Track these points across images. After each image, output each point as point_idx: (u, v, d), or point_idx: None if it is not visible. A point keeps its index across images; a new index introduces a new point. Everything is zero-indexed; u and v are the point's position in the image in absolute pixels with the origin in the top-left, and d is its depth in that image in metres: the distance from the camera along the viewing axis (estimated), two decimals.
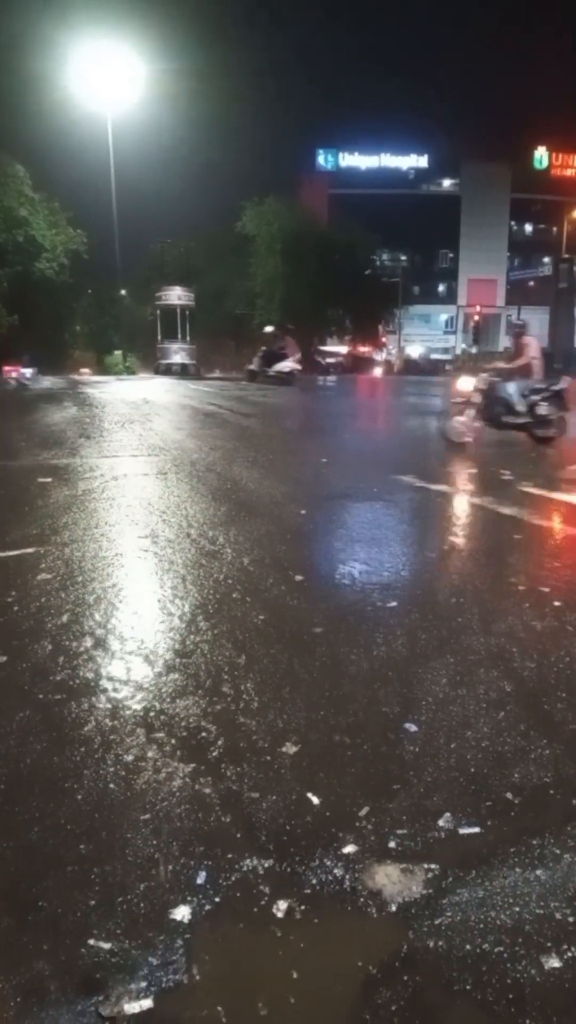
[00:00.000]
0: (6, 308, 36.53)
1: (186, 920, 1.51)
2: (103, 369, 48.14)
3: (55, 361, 43.85)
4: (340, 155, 63.47)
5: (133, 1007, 1.30)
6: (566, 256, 55.87)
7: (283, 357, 27.00)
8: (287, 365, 26.32)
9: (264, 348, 28.75)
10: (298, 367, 27.40)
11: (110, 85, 35.91)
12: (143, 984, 1.35)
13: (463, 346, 62.50)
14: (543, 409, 9.29)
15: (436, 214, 61.72)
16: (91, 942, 1.44)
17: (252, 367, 27.81)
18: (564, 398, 9.44)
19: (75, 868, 1.65)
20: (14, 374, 34.18)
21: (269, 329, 31.77)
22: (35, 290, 38.25)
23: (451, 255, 65.39)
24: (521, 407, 9.18)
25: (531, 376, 9.40)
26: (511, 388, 9.21)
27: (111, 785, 1.96)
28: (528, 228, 67.55)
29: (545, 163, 63.29)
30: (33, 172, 36.72)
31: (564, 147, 62.46)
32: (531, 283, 64.28)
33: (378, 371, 46.34)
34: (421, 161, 64.33)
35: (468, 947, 1.43)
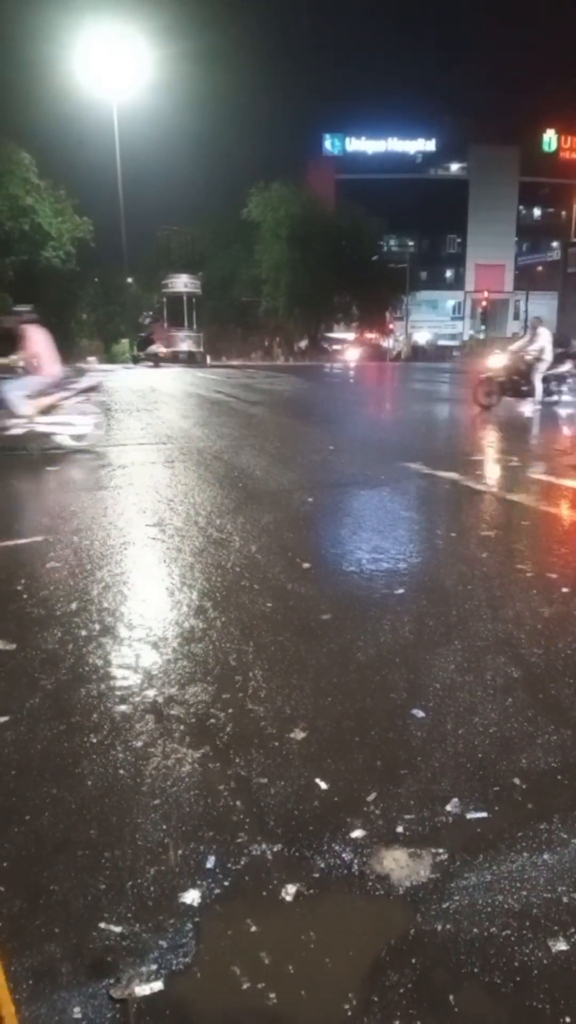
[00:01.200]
0: (12, 297, 36.43)
1: (196, 904, 1.52)
2: (110, 357, 48.13)
3: (62, 349, 43.78)
4: (347, 140, 62.88)
5: (144, 989, 1.32)
6: (575, 240, 55.42)
7: (152, 342, 33.49)
8: (153, 348, 32.90)
9: (141, 335, 35.67)
10: (163, 349, 33.87)
11: (116, 70, 35.65)
12: (153, 967, 1.37)
13: (471, 332, 62.14)
14: (65, 411, 7.87)
15: (444, 198, 61.19)
16: (102, 925, 1.46)
17: (136, 351, 34.82)
18: (91, 396, 8.21)
19: (85, 852, 1.66)
20: (21, 363, 34.22)
21: (150, 314, 37.62)
22: (41, 278, 38.14)
23: (459, 240, 64.87)
24: (27, 409, 7.64)
25: (39, 372, 7.91)
26: (7, 388, 7.71)
27: (120, 771, 1.97)
28: (536, 212, 66.94)
29: (554, 146, 62.54)
30: (39, 159, 36.53)
31: (573, 129, 61.71)
32: (539, 268, 63.78)
33: (352, 354, 45.05)
34: (428, 145, 63.71)
35: (475, 930, 1.44)
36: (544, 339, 12.45)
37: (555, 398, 12.85)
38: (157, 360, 31.52)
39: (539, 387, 12.27)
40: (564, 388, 13.14)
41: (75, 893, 1.54)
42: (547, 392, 12.54)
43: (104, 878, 1.59)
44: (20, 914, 1.49)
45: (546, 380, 12.50)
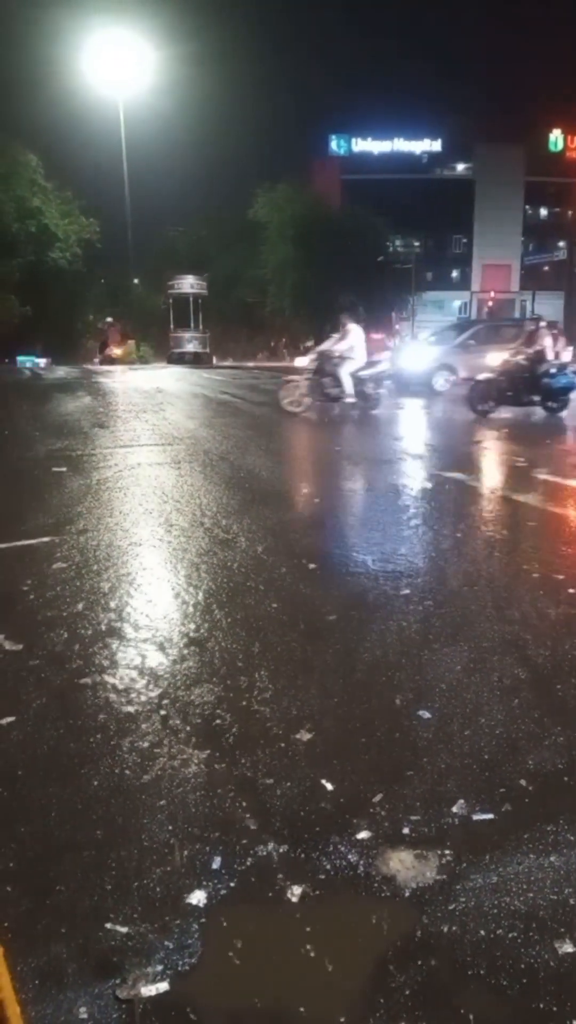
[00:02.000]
0: (19, 298, 36.58)
1: (201, 905, 1.52)
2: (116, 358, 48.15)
3: (68, 350, 43.92)
4: (353, 140, 62.81)
5: (149, 990, 1.32)
6: None
7: (108, 345, 35.78)
8: (108, 352, 35.23)
9: (101, 341, 37.88)
10: (116, 351, 36.08)
11: (121, 71, 35.71)
12: (159, 967, 1.37)
13: None
14: None
15: (449, 199, 61.04)
16: (108, 926, 1.46)
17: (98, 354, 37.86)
18: None
19: (92, 852, 1.66)
20: (27, 364, 34.37)
21: (108, 320, 39.97)
22: (48, 280, 38.24)
23: (464, 240, 64.73)
24: None
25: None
26: None
27: (127, 771, 1.97)
28: (543, 212, 66.71)
29: (560, 145, 62.33)
30: (45, 160, 36.67)
31: None
32: (546, 268, 63.61)
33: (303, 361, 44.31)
34: (435, 145, 63.58)
35: (482, 932, 1.44)
36: (354, 337, 12.10)
37: (358, 400, 12.17)
38: (112, 362, 32.79)
39: (348, 387, 11.88)
40: (382, 390, 12.66)
41: (81, 893, 1.54)
42: (363, 395, 12.04)
43: (110, 878, 1.59)
44: (26, 914, 1.49)
45: (361, 381, 12.05)
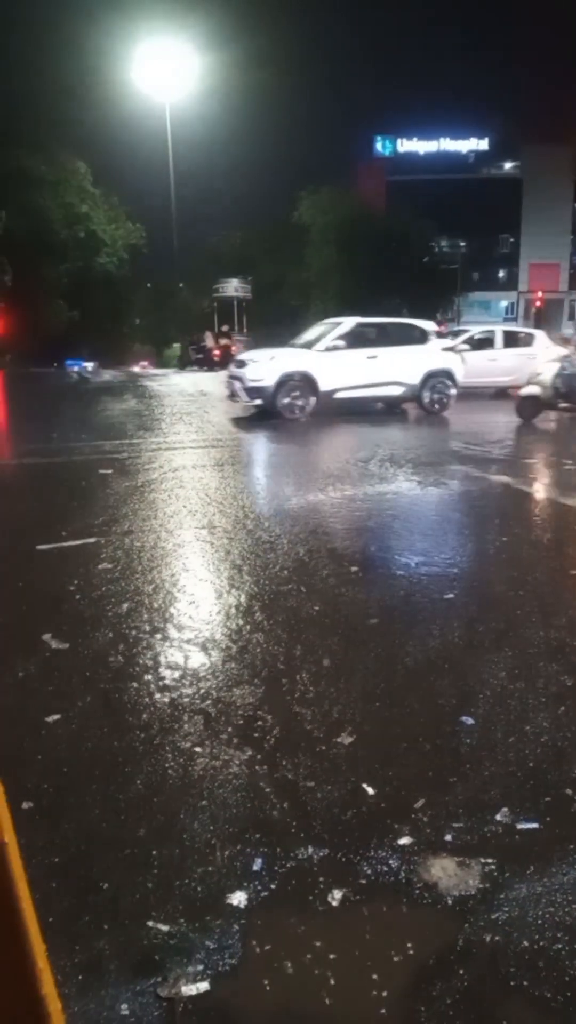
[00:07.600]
0: (67, 303, 37.24)
1: (242, 906, 1.52)
2: (162, 362, 48.70)
3: (114, 354, 44.58)
4: (398, 141, 62.51)
5: (190, 989, 1.33)
6: None
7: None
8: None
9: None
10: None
11: (168, 78, 36.18)
12: (200, 967, 1.37)
13: None
14: None
15: (496, 198, 60.33)
16: (150, 924, 1.47)
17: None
18: None
19: (134, 851, 1.68)
20: (76, 368, 34.97)
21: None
22: (95, 285, 38.86)
23: (512, 240, 63.86)
24: None
25: None
26: None
27: (169, 770, 1.99)
28: None
29: None
30: (93, 167, 37.31)
31: None
32: None
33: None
34: (481, 144, 62.94)
35: (525, 943, 1.41)
36: None
37: None
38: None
39: None
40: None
41: (123, 891, 1.56)
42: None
43: (152, 877, 1.60)
44: (69, 910, 1.51)
45: None
